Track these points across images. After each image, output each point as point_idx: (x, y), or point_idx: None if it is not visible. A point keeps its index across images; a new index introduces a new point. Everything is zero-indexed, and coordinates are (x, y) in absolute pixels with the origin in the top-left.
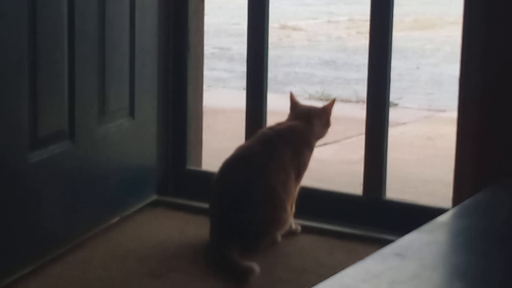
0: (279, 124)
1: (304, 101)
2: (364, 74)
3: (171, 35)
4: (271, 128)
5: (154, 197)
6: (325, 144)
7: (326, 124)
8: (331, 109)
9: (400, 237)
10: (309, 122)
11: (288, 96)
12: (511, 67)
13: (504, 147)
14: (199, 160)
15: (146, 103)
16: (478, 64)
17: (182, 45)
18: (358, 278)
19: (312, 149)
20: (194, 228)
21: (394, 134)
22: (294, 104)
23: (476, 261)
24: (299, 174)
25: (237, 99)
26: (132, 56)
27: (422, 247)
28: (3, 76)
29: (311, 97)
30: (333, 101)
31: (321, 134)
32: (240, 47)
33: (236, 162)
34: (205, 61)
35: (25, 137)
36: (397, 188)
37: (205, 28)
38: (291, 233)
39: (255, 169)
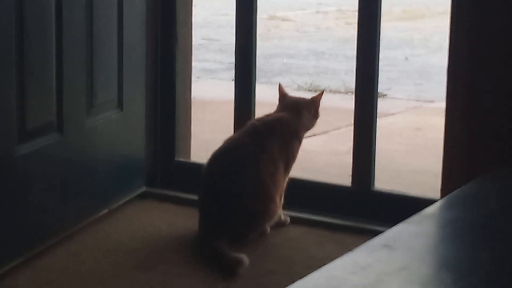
0: (267, 116)
1: (292, 92)
2: (352, 64)
3: (159, 26)
4: (260, 119)
5: (143, 189)
6: (314, 135)
7: (315, 115)
8: (319, 100)
9: (389, 228)
10: (298, 114)
11: (277, 87)
12: (499, 57)
13: (492, 138)
14: (187, 152)
15: (135, 95)
16: (466, 55)
17: (171, 36)
18: (346, 270)
19: (301, 141)
20: (183, 220)
21: (382, 124)
22: (282, 95)
23: (463, 252)
24: (288, 165)
25: (226, 90)
26: (120, 47)
27: (410, 238)
28: None
29: (299, 88)
30: (322, 93)
31: (309, 126)
32: (229, 38)
33: (224, 154)
34: (193, 52)
35: (13, 130)
36: (386, 179)
37: (193, 19)
38: (280, 225)
39: (244, 160)
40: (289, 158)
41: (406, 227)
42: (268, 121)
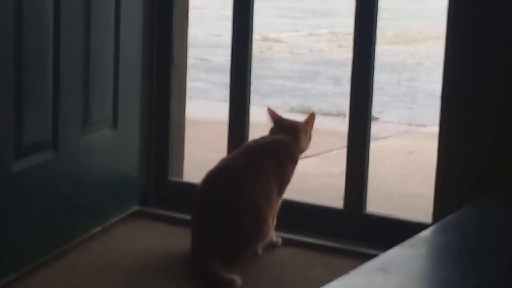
0: (263, 138)
1: (285, 113)
2: (344, 87)
3: (155, 46)
4: (256, 141)
5: (136, 207)
6: (306, 157)
7: (309, 138)
8: (313, 122)
9: (380, 251)
10: (295, 136)
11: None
12: (493, 83)
13: (484, 163)
14: (180, 172)
15: (130, 114)
16: (461, 79)
17: (166, 56)
18: None
19: (296, 163)
20: (176, 239)
21: (374, 148)
22: (275, 117)
23: (457, 276)
24: (282, 187)
25: (218, 111)
26: (116, 67)
27: (405, 262)
28: None
29: (292, 109)
30: (313, 115)
31: (305, 148)
32: (221, 58)
33: (219, 174)
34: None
35: (9, 147)
36: (377, 202)
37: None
38: (271, 246)
39: (238, 181)
40: (284, 180)
41: (401, 251)
42: (264, 142)
